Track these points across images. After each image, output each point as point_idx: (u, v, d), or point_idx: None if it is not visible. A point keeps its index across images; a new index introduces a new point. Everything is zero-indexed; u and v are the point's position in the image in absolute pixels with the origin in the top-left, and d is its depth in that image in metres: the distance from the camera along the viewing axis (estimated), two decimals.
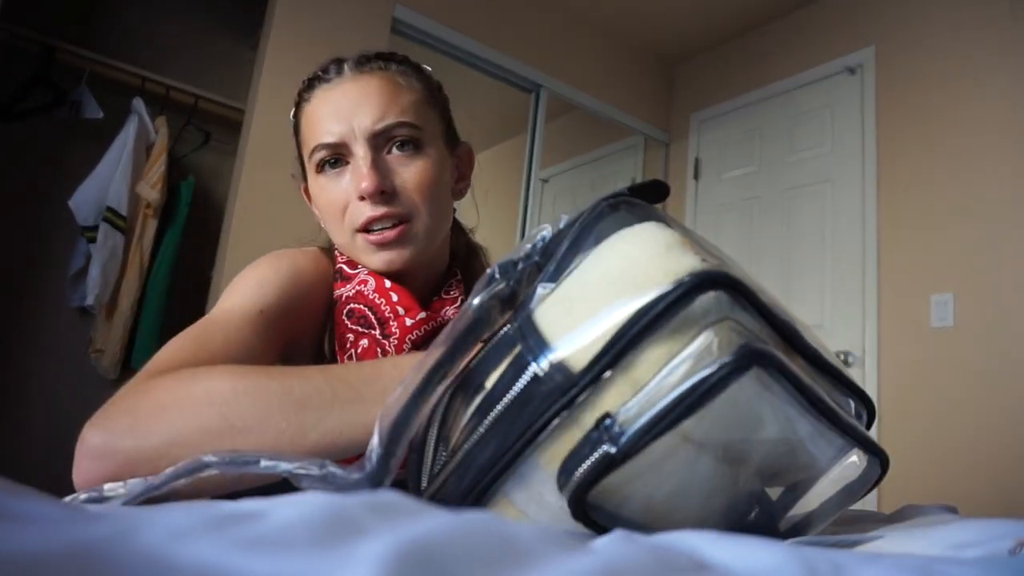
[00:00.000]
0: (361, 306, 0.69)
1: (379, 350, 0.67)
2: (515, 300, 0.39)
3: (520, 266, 0.39)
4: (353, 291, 0.70)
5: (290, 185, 2.67)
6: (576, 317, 0.35)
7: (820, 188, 2.87)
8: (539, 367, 0.35)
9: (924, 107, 2.56)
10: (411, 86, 0.73)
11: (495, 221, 3.65)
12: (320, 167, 0.70)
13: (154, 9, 2.59)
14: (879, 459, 0.40)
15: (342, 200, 0.69)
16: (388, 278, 0.71)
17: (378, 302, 0.69)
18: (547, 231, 0.40)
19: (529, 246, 0.40)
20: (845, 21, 2.90)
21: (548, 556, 0.22)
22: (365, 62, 0.72)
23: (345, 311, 0.70)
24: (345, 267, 0.73)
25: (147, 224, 2.33)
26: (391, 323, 0.68)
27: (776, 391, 0.34)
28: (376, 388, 0.47)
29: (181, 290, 2.39)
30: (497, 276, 0.39)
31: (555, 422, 0.33)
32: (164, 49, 2.57)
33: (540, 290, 0.38)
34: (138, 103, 2.34)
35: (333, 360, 0.71)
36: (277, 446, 0.44)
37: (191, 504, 0.24)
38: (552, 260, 0.39)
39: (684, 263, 0.34)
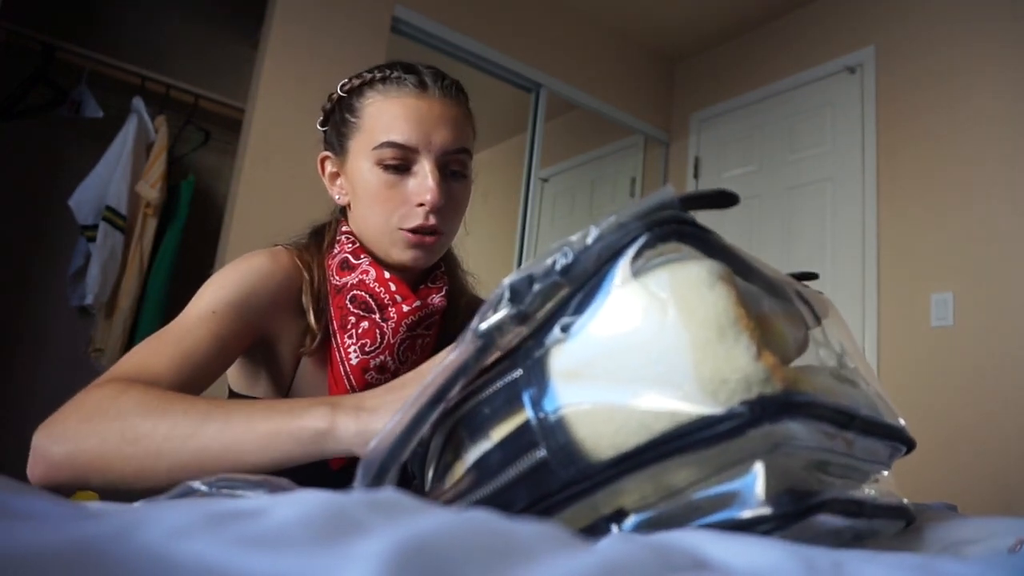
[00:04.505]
0: (363, 293, 0.78)
1: (377, 331, 0.77)
2: (528, 318, 0.35)
3: (537, 286, 0.35)
4: (356, 279, 0.79)
5: (290, 184, 2.65)
6: (598, 390, 0.31)
7: (820, 187, 2.87)
8: (550, 449, 0.31)
9: (924, 107, 2.56)
10: (470, 121, 0.84)
11: (495, 220, 3.65)
12: (383, 164, 0.77)
13: (154, 9, 2.59)
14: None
15: (398, 199, 0.77)
16: (388, 270, 0.80)
17: (378, 290, 0.78)
18: (570, 250, 0.35)
19: (550, 261, 0.35)
20: (845, 21, 2.89)
21: (548, 554, 0.22)
22: (452, 89, 0.81)
23: (349, 297, 0.79)
24: (350, 257, 0.81)
25: (147, 223, 2.33)
26: (389, 309, 0.78)
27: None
28: (268, 405, 0.54)
29: (181, 289, 2.39)
30: (507, 296, 0.35)
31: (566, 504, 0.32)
32: (164, 49, 2.57)
33: (557, 332, 0.34)
34: (138, 102, 2.34)
35: (327, 338, 0.79)
36: (162, 448, 0.52)
37: (191, 502, 0.24)
38: (579, 286, 0.34)
39: (737, 365, 0.30)
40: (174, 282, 2.37)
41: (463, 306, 0.90)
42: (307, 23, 2.41)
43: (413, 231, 0.77)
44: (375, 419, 0.49)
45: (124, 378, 0.61)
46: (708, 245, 0.34)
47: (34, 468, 0.56)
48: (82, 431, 0.55)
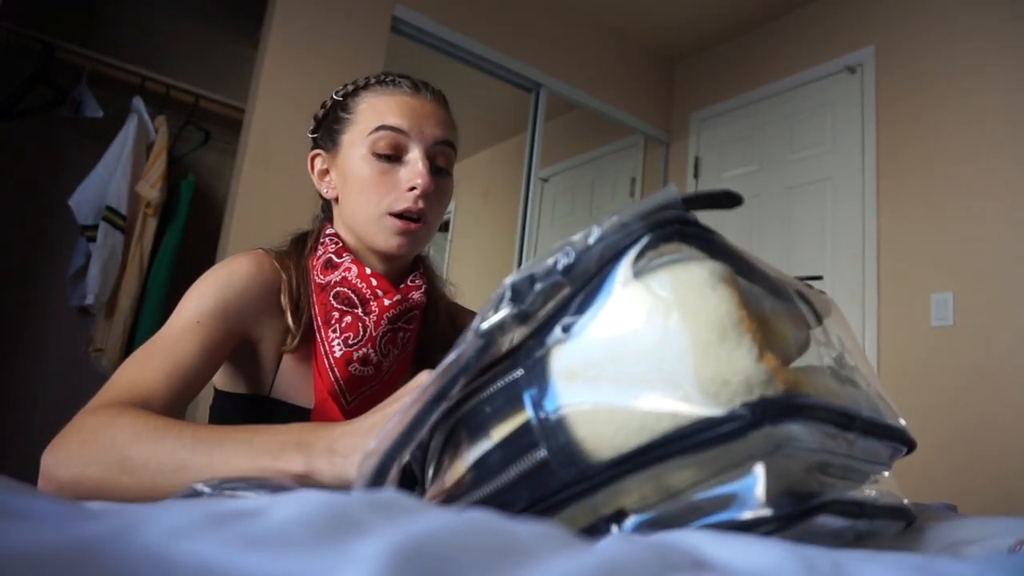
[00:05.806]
0: (346, 290, 0.82)
1: (360, 324, 0.81)
2: (529, 317, 0.35)
3: (538, 285, 0.34)
4: (339, 277, 0.83)
5: (290, 184, 2.65)
6: (599, 390, 0.31)
7: (820, 187, 2.87)
8: (550, 450, 0.31)
9: (924, 106, 2.56)
10: (455, 127, 0.90)
11: (495, 220, 3.65)
12: (376, 153, 0.82)
13: (154, 9, 2.59)
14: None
15: (389, 185, 0.82)
16: (368, 266, 0.84)
17: (360, 286, 0.82)
18: (572, 250, 0.34)
19: (551, 261, 0.34)
20: (845, 21, 2.89)
21: (548, 554, 0.22)
22: (440, 95, 0.88)
23: (332, 293, 0.82)
24: (333, 257, 0.85)
25: (147, 223, 2.33)
26: (371, 303, 0.82)
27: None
28: (246, 439, 0.55)
29: (181, 289, 2.38)
30: (509, 296, 0.34)
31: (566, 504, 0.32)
32: (164, 48, 2.56)
33: (558, 332, 0.34)
34: (138, 102, 2.34)
35: (309, 331, 0.81)
36: (156, 480, 0.54)
37: (191, 502, 0.24)
38: (580, 286, 0.34)
39: (739, 367, 0.29)
40: (174, 282, 2.37)
41: (441, 309, 0.94)
42: (307, 23, 2.41)
43: (400, 215, 0.82)
44: (347, 465, 0.49)
45: (118, 399, 0.63)
46: (711, 246, 0.34)
47: (44, 488, 0.58)
48: (84, 456, 0.57)
